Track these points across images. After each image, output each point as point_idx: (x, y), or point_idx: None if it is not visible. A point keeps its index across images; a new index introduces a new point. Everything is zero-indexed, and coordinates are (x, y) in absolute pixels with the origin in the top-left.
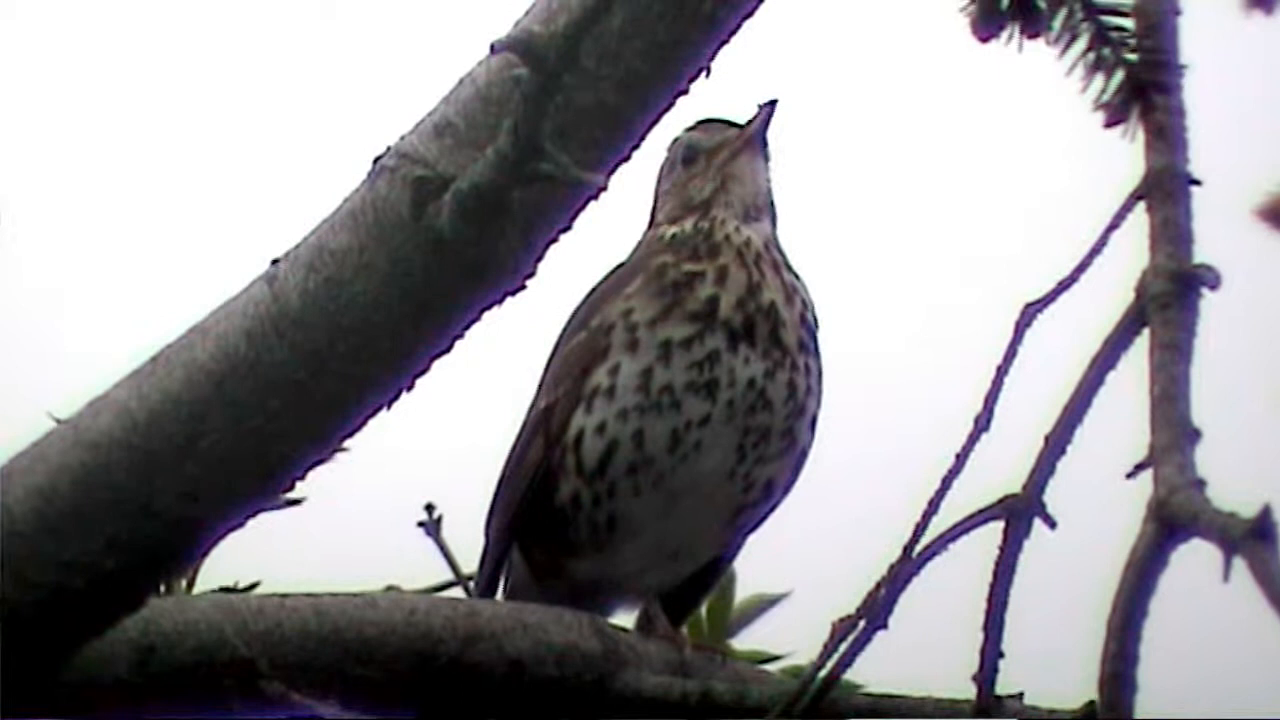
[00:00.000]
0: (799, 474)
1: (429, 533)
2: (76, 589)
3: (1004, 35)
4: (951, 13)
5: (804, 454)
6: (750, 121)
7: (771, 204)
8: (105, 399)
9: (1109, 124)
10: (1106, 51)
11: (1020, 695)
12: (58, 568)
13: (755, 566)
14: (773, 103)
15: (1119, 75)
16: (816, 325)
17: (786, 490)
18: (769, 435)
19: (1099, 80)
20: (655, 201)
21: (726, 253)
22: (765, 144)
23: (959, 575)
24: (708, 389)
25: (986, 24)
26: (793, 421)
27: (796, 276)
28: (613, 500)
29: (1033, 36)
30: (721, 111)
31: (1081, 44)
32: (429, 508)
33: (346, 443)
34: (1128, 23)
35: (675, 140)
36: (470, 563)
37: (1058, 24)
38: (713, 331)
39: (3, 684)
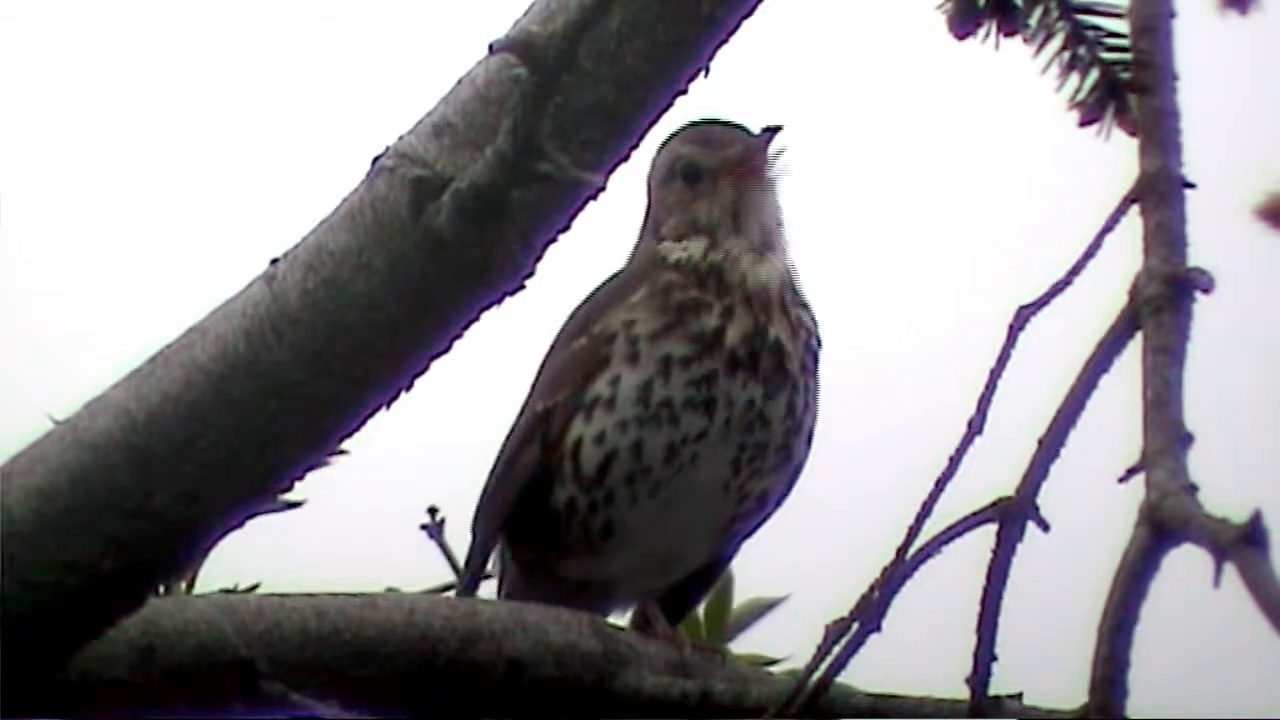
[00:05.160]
0: (793, 485)
1: (432, 535)
2: (76, 589)
3: (980, 33)
4: (929, 10)
5: (799, 467)
6: (752, 147)
7: (781, 230)
8: (104, 399)
9: (1083, 123)
10: (1082, 50)
11: (1019, 696)
12: (58, 568)
13: (753, 570)
14: (774, 129)
15: (1094, 74)
16: (819, 346)
17: (780, 501)
18: (765, 451)
19: (1074, 79)
20: (650, 205)
21: (736, 294)
22: (772, 167)
23: (953, 578)
24: (706, 406)
25: (963, 22)
26: (790, 438)
27: (805, 307)
28: (610, 508)
29: (1009, 34)
30: (720, 111)
31: (1057, 42)
32: (432, 510)
33: (346, 443)
34: (1104, 22)
35: (664, 146)
36: None
37: (1034, 22)
38: (712, 355)
39: (3, 684)
